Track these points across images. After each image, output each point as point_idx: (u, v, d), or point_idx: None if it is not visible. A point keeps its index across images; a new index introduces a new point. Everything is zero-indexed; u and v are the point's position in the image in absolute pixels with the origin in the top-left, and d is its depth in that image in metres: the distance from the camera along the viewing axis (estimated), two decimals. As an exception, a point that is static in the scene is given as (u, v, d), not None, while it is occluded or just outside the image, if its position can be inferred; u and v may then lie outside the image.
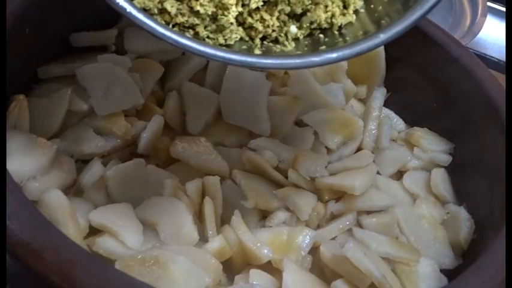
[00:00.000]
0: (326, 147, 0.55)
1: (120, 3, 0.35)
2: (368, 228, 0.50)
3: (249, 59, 0.36)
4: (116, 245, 0.42)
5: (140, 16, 0.35)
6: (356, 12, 0.42)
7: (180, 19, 0.38)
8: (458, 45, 0.58)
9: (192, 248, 0.44)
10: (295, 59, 0.37)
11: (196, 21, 0.39)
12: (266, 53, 0.40)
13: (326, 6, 0.40)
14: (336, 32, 0.41)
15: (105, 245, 0.42)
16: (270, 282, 0.44)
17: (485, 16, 0.86)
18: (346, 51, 0.37)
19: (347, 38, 0.40)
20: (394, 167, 0.56)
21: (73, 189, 0.48)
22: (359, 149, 0.56)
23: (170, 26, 0.38)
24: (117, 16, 0.57)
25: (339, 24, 0.41)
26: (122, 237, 0.43)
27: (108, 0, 0.35)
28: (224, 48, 0.39)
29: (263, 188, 0.50)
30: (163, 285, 0.39)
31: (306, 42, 0.41)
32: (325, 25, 0.41)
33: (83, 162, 0.50)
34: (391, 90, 0.61)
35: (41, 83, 0.53)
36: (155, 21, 0.35)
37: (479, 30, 0.85)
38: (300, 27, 0.41)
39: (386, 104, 0.61)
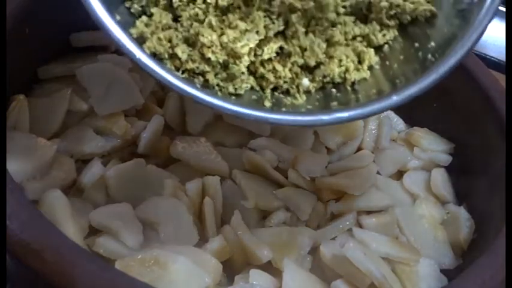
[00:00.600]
0: (326, 147, 0.55)
1: (129, 48, 0.34)
2: (368, 228, 0.50)
3: (258, 114, 0.35)
4: (116, 245, 0.42)
5: (150, 63, 0.34)
6: (371, 68, 0.41)
7: (190, 65, 0.38)
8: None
9: (192, 248, 0.44)
10: (305, 117, 0.36)
11: (207, 68, 0.38)
12: (276, 105, 0.39)
13: (340, 61, 0.40)
14: (349, 88, 0.40)
15: (105, 245, 0.42)
16: (270, 282, 0.44)
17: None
18: (358, 111, 0.36)
19: (359, 96, 0.40)
20: (394, 167, 0.56)
21: (73, 189, 0.48)
22: (359, 149, 0.56)
23: (180, 71, 0.38)
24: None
25: (352, 79, 0.40)
26: (122, 237, 0.43)
27: (117, 42, 0.34)
28: (234, 99, 0.38)
29: (263, 188, 0.50)
30: (163, 285, 0.39)
31: (318, 96, 0.40)
32: (338, 80, 0.40)
33: (83, 162, 0.50)
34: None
35: (41, 83, 0.53)
36: (164, 68, 0.35)
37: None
38: (312, 80, 0.40)
39: (387, 104, 0.61)
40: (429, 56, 0.38)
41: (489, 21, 0.37)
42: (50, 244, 0.35)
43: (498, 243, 0.43)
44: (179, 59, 0.37)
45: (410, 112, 0.62)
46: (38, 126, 0.49)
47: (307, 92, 0.40)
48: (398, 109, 0.62)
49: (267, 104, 0.39)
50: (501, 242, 0.43)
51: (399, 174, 0.57)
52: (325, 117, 0.36)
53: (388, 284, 0.43)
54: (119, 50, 0.56)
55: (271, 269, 0.45)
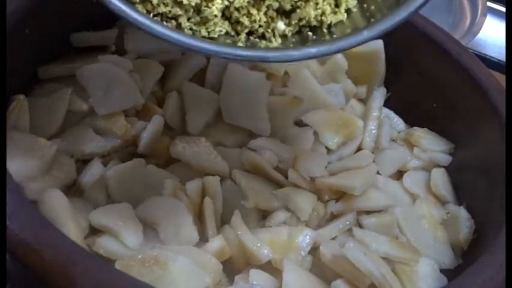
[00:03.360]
0: (326, 147, 0.55)
1: None
2: (368, 228, 0.50)
3: (224, 50, 0.35)
4: (116, 245, 0.42)
5: (120, 5, 0.34)
6: (348, 11, 0.41)
7: (162, 9, 0.37)
8: (458, 45, 0.58)
9: (192, 248, 0.44)
10: (274, 52, 0.36)
11: (179, 12, 0.37)
12: (250, 47, 0.39)
13: (317, 4, 0.39)
14: (325, 31, 0.40)
15: (105, 245, 0.42)
16: (270, 282, 0.44)
17: (485, 16, 0.86)
18: (326, 47, 0.36)
19: (334, 37, 0.39)
20: (394, 167, 0.56)
21: (73, 189, 0.48)
22: (359, 149, 0.56)
23: (151, 15, 0.37)
24: (118, 16, 0.57)
25: (329, 22, 0.40)
26: (122, 237, 0.43)
27: None
28: (202, 39, 0.38)
29: (263, 188, 0.50)
30: (163, 285, 0.39)
31: (294, 40, 0.40)
32: (314, 23, 0.40)
33: (83, 162, 0.50)
34: (391, 90, 0.61)
35: (41, 83, 0.53)
36: (138, 11, 0.35)
37: (479, 31, 0.85)
38: (288, 24, 0.40)
39: (386, 104, 0.61)
40: None
41: None
42: (50, 244, 0.35)
43: (498, 243, 0.43)
44: (151, 2, 0.37)
45: (410, 112, 0.62)
46: (38, 126, 0.49)
47: (283, 36, 0.40)
48: (398, 109, 0.62)
49: (240, 45, 0.38)
50: (501, 242, 0.43)
51: (399, 174, 0.57)
52: (294, 53, 0.36)
53: (388, 284, 0.43)
54: (119, 50, 0.57)
55: (271, 269, 0.45)
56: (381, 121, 0.58)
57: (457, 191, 0.56)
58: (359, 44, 0.37)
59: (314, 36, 0.40)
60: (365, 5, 0.40)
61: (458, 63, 0.56)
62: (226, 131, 0.54)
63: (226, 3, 0.38)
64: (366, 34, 0.36)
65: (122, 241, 0.43)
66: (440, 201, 0.55)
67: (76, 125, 0.51)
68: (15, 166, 0.43)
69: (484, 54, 0.81)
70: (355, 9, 0.41)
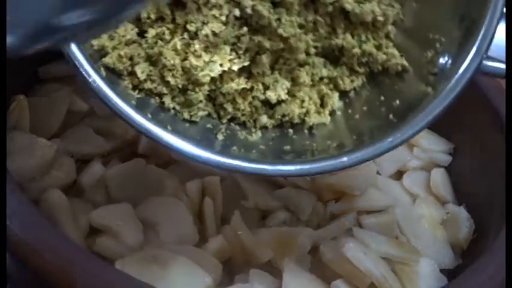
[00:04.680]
0: (326, 147, 0.55)
1: (85, 67, 0.32)
2: (368, 228, 0.50)
3: (205, 156, 0.34)
4: (116, 245, 0.42)
5: (103, 87, 0.33)
6: (333, 113, 0.40)
7: (148, 85, 0.37)
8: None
9: (192, 248, 0.44)
10: (249, 164, 0.34)
11: (165, 90, 0.37)
12: (229, 139, 0.38)
13: (302, 101, 0.39)
14: (306, 132, 0.39)
15: (105, 245, 0.42)
16: (270, 282, 0.44)
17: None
18: (304, 167, 0.35)
19: (314, 144, 0.38)
20: (394, 167, 0.56)
21: (73, 189, 0.48)
22: (359, 149, 0.56)
23: (137, 91, 0.37)
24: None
25: (311, 123, 0.39)
26: (122, 237, 0.43)
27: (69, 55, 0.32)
28: (187, 128, 0.37)
29: (263, 188, 0.50)
30: (163, 285, 0.39)
31: (273, 135, 0.39)
32: (297, 120, 0.39)
33: (83, 162, 0.50)
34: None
35: (41, 83, 0.53)
36: (116, 93, 0.33)
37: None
38: (271, 117, 0.39)
39: (386, 104, 0.61)
40: (391, 115, 0.37)
41: (455, 96, 0.35)
42: (50, 244, 0.35)
43: (498, 243, 0.43)
44: (138, 77, 0.36)
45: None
46: (38, 126, 0.49)
47: (264, 127, 0.39)
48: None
49: (220, 137, 0.38)
50: (501, 242, 0.43)
51: (399, 174, 0.57)
52: (267, 167, 0.35)
53: (388, 284, 0.43)
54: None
55: (271, 269, 0.45)
56: (381, 121, 0.58)
57: (457, 191, 0.56)
58: (336, 170, 0.36)
59: (294, 136, 0.39)
60: (350, 110, 0.40)
61: (458, 63, 0.56)
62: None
63: (214, 87, 0.37)
64: (345, 161, 0.35)
65: (122, 241, 0.43)
66: (440, 201, 0.55)
67: (76, 125, 0.51)
68: (15, 166, 0.43)
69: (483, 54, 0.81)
70: (339, 113, 0.40)
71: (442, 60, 0.37)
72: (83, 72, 0.33)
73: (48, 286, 0.35)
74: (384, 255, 0.47)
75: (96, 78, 0.33)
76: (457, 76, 0.35)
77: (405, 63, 0.39)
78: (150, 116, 0.35)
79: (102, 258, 0.42)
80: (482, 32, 0.36)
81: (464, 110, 0.56)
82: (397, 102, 0.38)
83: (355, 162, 0.35)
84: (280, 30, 0.37)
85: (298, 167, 0.35)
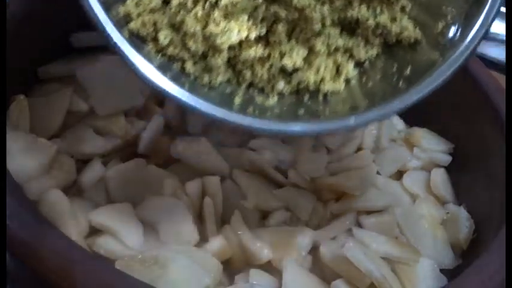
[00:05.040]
0: (326, 147, 0.55)
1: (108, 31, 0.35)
2: (368, 228, 0.50)
3: (216, 113, 0.37)
4: (116, 245, 0.42)
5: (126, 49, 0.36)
6: (347, 81, 0.41)
7: (171, 50, 0.38)
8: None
9: (192, 248, 0.44)
10: (258, 123, 0.37)
11: (186, 56, 0.38)
12: (246, 103, 0.39)
13: (318, 69, 0.40)
14: (321, 98, 0.40)
15: (105, 245, 0.42)
16: (270, 282, 0.44)
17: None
18: (310, 126, 0.37)
19: (326, 109, 0.40)
20: (394, 167, 0.56)
21: (73, 189, 0.48)
22: (359, 149, 0.56)
23: (160, 55, 0.38)
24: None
25: (326, 90, 0.40)
26: (122, 237, 0.43)
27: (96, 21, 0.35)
28: (205, 91, 0.39)
29: (263, 188, 0.50)
30: (163, 285, 0.39)
31: (289, 101, 0.41)
32: (312, 87, 0.40)
33: (83, 162, 0.49)
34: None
35: (41, 83, 0.53)
36: (138, 56, 0.36)
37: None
38: (288, 83, 0.40)
39: (386, 104, 0.61)
40: (401, 83, 0.38)
41: (461, 64, 0.37)
42: (50, 244, 0.35)
43: (498, 243, 0.43)
44: (161, 43, 0.38)
45: (410, 112, 0.61)
46: (38, 126, 0.49)
47: (281, 93, 0.40)
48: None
49: (237, 100, 0.39)
50: (501, 242, 0.43)
51: (399, 174, 0.57)
52: (275, 127, 0.37)
53: (388, 284, 0.43)
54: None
55: (271, 269, 0.45)
56: (381, 121, 0.58)
57: (457, 191, 0.56)
58: (343, 130, 0.38)
59: (309, 102, 0.40)
60: (364, 79, 0.41)
61: (458, 63, 0.56)
62: (226, 131, 0.54)
63: (233, 54, 0.39)
64: (352, 121, 0.37)
65: (122, 241, 0.43)
66: (440, 201, 0.55)
67: (76, 125, 0.51)
68: (15, 166, 0.43)
69: (484, 54, 0.81)
70: (354, 81, 0.41)
71: (451, 31, 0.39)
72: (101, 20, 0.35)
73: (48, 286, 0.36)
74: (383, 255, 0.47)
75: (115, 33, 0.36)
76: (464, 45, 0.38)
77: (418, 35, 0.40)
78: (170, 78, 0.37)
79: (102, 258, 0.42)
80: (488, 4, 0.38)
81: (464, 109, 0.57)
82: (408, 70, 0.39)
83: (361, 123, 0.37)
84: (294, 1, 0.38)
85: (306, 126, 0.37)
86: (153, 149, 0.51)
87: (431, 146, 0.57)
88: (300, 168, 0.51)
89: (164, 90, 0.36)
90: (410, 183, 0.55)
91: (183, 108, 0.54)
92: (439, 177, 0.56)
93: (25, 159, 0.45)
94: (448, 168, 0.57)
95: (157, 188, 0.47)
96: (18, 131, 0.47)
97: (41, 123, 0.49)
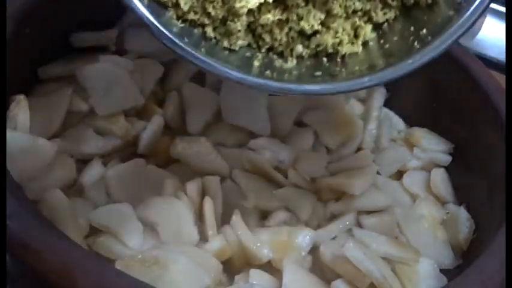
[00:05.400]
0: (326, 147, 0.55)
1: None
2: (368, 228, 0.50)
3: (220, 69, 0.37)
4: (116, 245, 0.42)
5: (145, 13, 0.36)
6: (365, 43, 0.41)
7: (192, 16, 0.39)
8: (458, 46, 0.58)
9: (192, 248, 0.44)
10: (274, 83, 0.38)
11: (207, 21, 0.39)
12: (265, 66, 0.40)
13: (336, 32, 0.40)
14: (339, 60, 0.41)
15: (105, 245, 0.42)
16: (270, 282, 0.44)
17: (485, 16, 0.86)
18: (326, 86, 0.38)
19: (344, 70, 0.40)
20: (394, 167, 0.56)
21: (73, 189, 0.48)
22: (359, 149, 0.56)
23: (180, 21, 0.39)
24: (118, 16, 0.57)
25: (343, 52, 0.41)
26: (122, 237, 0.43)
27: None
28: (226, 54, 0.39)
29: (263, 188, 0.50)
30: (163, 285, 0.39)
31: (308, 63, 0.41)
32: (331, 50, 0.41)
33: (83, 162, 0.50)
34: (391, 90, 0.61)
35: (41, 83, 0.53)
36: (159, 20, 0.36)
37: (479, 31, 0.85)
38: (306, 47, 0.41)
39: (386, 104, 0.61)
40: (416, 43, 0.39)
41: (474, 21, 0.37)
42: (50, 244, 0.35)
43: (498, 243, 0.43)
44: (182, 8, 0.38)
45: (410, 112, 0.62)
46: (38, 126, 0.49)
47: (300, 57, 0.41)
48: (398, 109, 0.62)
49: (256, 63, 0.40)
50: (501, 242, 0.43)
51: (399, 174, 0.57)
52: (292, 86, 0.38)
53: (388, 284, 0.43)
54: (119, 50, 0.57)
55: (271, 269, 0.45)
56: (381, 121, 0.58)
57: (457, 191, 0.56)
58: (358, 90, 0.40)
59: (327, 64, 0.41)
60: (382, 41, 0.41)
61: (459, 63, 0.56)
62: (226, 131, 0.54)
63: (252, 19, 0.39)
64: (366, 80, 0.38)
65: (122, 241, 0.43)
66: (440, 201, 0.55)
67: (76, 125, 0.51)
68: (15, 166, 0.43)
69: (484, 54, 0.81)
70: (371, 43, 0.41)
71: None
72: None
73: (48, 286, 0.36)
74: (383, 255, 0.47)
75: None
76: (475, 4, 0.37)
77: None
78: (192, 43, 0.38)
79: (102, 258, 0.42)
80: None
81: (464, 109, 0.57)
82: (424, 31, 0.39)
83: (375, 83, 0.38)
84: None
85: (323, 86, 0.38)
86: (153, 149, 0.52)
87: (431, 146, 0.58)
88: (300, 168, 0.51)
89: (181, 47, 0.37)
90: (410, 183, 0.55)
91: (183, 108, 0.55)
92: (439, 177, 0.56)
93: (25, 159, 0.45)
94: (448, 168, 0.57)
95: (157, 188, 0.47)
96: (18, 131, 0.47)
97: (41, 123, 0.49)
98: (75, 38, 0.56)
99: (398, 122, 0.62)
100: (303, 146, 0.54)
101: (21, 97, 0.48)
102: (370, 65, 0.40)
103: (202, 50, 0.38)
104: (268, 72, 0.39)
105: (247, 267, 0.45)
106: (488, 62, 0.75)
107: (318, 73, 0.40)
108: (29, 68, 0.53)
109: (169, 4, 0.38)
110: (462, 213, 0.52)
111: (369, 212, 0.51)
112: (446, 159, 0.57)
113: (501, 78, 0.56)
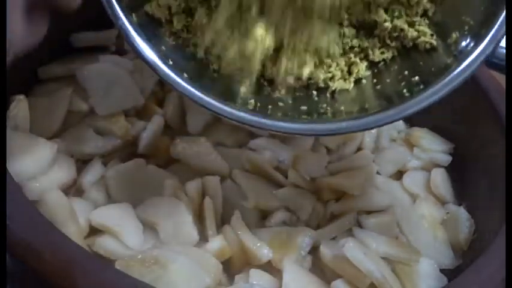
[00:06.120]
0: (326, 147, 0.55)
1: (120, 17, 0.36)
2: (368, 228, 0.50)
3: (211, 102, 0.37)
4: (116, 245, 0.42)
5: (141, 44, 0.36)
6: (358, 81, 0.41)
7: (185, 35, 0.39)
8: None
9: (192, 248, 0.44)
10: (252, 116, 0.37)
11: (199, 41, 0.39)
12: (254, 93, 0.40)
13: (329, 67, 0.40)
14: (328, 95, 0.41)
15: (105, 245, 0.42)
16: (270, 282, 0.44)
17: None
18: (302, 127, 0.37)
19: (329, 108, 0.40)
20: (394, 167, 0.56)
21: (73, 189, 0.48)
22: (359, 149, 0.56)
23: (172, 37, 0.39)
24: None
25: (334, 88, 0.40)
26: (122, 237, 0.43)
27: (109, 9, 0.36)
28: (198, 93, 0.39)
29: (263, 188, 0.50)
30: (163, 285, 0.39)
31: (297, 94, 0.41)
32: (321, 84, 0.40)
33: (83, 162, 0.50)
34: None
35: (41, 83, 0.53)
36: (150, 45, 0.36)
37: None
38: (298, 79, 0.41)
39: (386, 104, 0.61)
40: (405, 90, 0.38)
41: (458, 83, 0.37)
42: (50, 244, 0.35)
43: (498, 243, 0.43)
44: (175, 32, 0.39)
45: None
46: (38, 126, 0.49)
47: (290, 87, 0.41)
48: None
49: (243, 89, 0.40)
50: (501, 242, 0.43)
51: (399, 174, 0.57)
52: (267, 122, 0.37)
53: (388, 284, 0.43)
54: (119, 50, 0.57)
55: (271, 269, 0.45)
56: (381, 121, 0.58)
57: (457, 191, 0.56)
58: (336, 134, 0.38)
59: (316, 98, 0.41)
60: (375, 80, 0.41)
61: (458, 63, 0.56)
62: (226, 131, 0.54)
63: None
64: (344, 125, 0.37)
65: (122, 241, 0.43)
66: (440, 201, 0.55)
67: (76, 125, 0.51)
68: (15, 166, 0.43)
69: (484, 54, 0.81)
70: (364, 81, 0.41)
71: (463, 42, 0.38)
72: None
73: (48, 286, 0.36)
74: (383, 255, 0.47)
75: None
76: (472, 58, 0.37)
77: (434, 42, 0.40)
78: (182, 59, 0.38)
79: (102, 258, 0.42)
80: (500, 21, 0.37)
81: (464, 110, 0.57)
82: (417, 78, 0.39)
83: (351, 129, 0.37)
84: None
85: (299, 125, 0.37)
86: (153, 149, 0.51)
87: (431, 146, 0.58)
88: (300, 168, 0.51)
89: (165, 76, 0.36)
90: (410, 183, 0.55)
91: (183, 108, 0.55)
92: (439, 177, 0.56)
93: (25, 159, 0.45)
94: (448, 168, 0.57)
95: (157, 188, 0.47)
96: (18, 131, 0.47)
97: (41, 123, 0.49)
98: (75, 38, 0.56)
99: (398, 122, 0.61)
100: (303, 146, 0.54)
101: (21, 97, 0.48)
102: (360, 105, 0.39)
103: (191, 67, 0.38)
104: (252, 101, 0.39)
105: (247, 267, 0.45)
106: (488, 62, 0.75)
107: (304, 107, 0.39)
108: (29, 68, 0.53)
109: (163, 20, 0.39)
110: (462, 213, 0.52)
111: (369, 212, 0.51)
112: (446, 159, 0.57)
113: (501, 78, 0.56)
